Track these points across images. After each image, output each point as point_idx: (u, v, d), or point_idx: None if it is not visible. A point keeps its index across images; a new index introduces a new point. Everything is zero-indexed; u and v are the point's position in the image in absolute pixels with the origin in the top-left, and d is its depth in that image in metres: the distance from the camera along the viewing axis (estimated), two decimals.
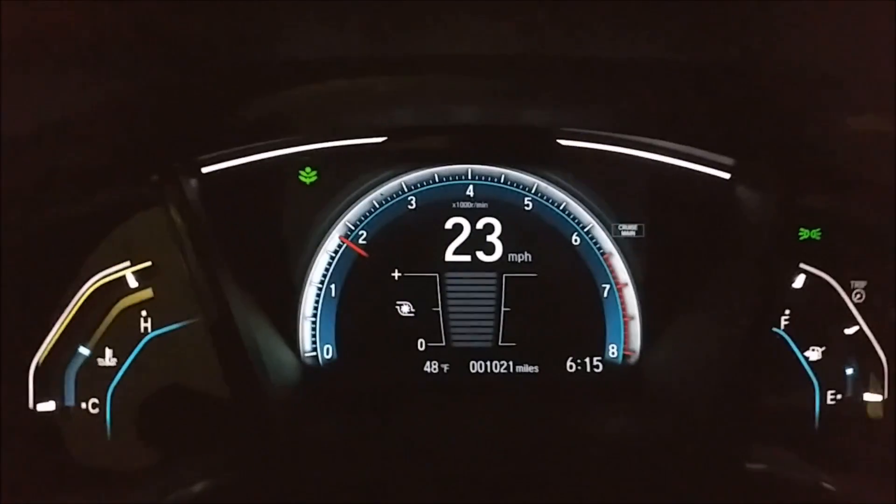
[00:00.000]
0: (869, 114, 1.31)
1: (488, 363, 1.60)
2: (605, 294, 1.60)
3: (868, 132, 1.35)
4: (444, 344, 1.59)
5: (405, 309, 1.58)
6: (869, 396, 1.46)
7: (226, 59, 1.33)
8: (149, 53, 1.24)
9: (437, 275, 1.59)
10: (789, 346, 1.49)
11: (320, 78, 1.38)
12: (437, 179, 1.60)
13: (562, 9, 1.17)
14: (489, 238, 1.60)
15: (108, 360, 1.44)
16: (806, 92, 1.32)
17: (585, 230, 1.60)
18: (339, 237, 1.58)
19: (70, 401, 1.43)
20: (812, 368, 1.48)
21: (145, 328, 1.45)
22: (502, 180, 1.61)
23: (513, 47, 1.33)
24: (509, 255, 1.59)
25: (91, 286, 1.43)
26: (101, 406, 1.43)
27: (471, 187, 1.60)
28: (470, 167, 1.60)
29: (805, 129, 1.41)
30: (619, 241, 1.60)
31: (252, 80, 1.39)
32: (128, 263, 1.44)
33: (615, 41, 1.30)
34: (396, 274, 1.58)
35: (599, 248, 1.60)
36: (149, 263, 1.45)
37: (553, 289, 1.60)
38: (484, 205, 1.60)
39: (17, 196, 1.28)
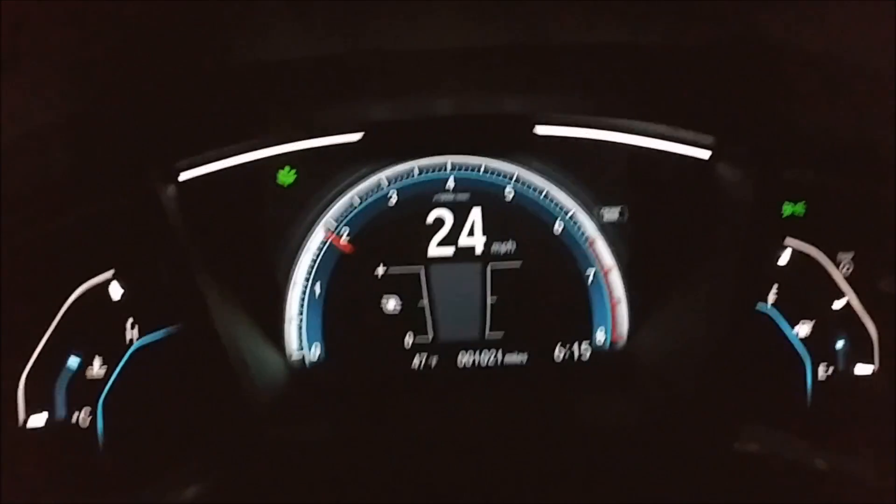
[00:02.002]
0: (850, 85, 1.30)
1: (476, 355, 1.60)
2: (591, 279, 1.59)
3: (848, 104, 1.34)
4: (431, 338, 1.59)
5: (391, 305, 1.58)
6: (860, 368, 1.45)
7: (198, 64, 1.33)
8: (121, 62, 1.24)
9: (421, 268, 1.58)
10: (778, 323, 1.47)
11: (293, 78, 1.38)
12: (416, 173, 1.59)
13: None
14: (472, 229, 1.59)
15: (97, 370, 1.44)
16: (784, 67, 1.31)
17: (568, 216, 1.59)
18: (325, 232, 1.57)
19: (61, 413, 1.43)
20: (802, 343, 1.46)
21: (132, 337, 1.45)
22: (482, 170, 1.60)
23: (485, 38, 1.33)
24: (493, 245, 1.59)
25: (76, 297, 1.43)
26: (93, 417, 1.43)
27: (451, 179, 1.59)
28: (449, 159, 1.60)
29: (784, 104, 1.40)
30: (603, 226, 1.59)
31: (225, 84, 1.39)
32: (111, 273, 1.44)
33: (589, 25, 1.29)
34: (381, 270, 1.58)
35: (583, 234, 1.59)
36: (132, 272, 1.45)
37: (538, 277, 1.59)
38: (465, 196, 1.59)
39: None
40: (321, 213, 1.58)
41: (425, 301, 1.58)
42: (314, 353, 1.58)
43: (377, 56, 1.36)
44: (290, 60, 1.37)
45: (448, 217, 1.58)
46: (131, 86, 1.32)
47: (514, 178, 1.59)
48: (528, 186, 1.59)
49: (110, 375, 1.43)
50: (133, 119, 1.36)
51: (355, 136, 1.56)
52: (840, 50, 1.22)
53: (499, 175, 1.60)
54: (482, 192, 1.59)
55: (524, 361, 1.60)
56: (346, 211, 1.58)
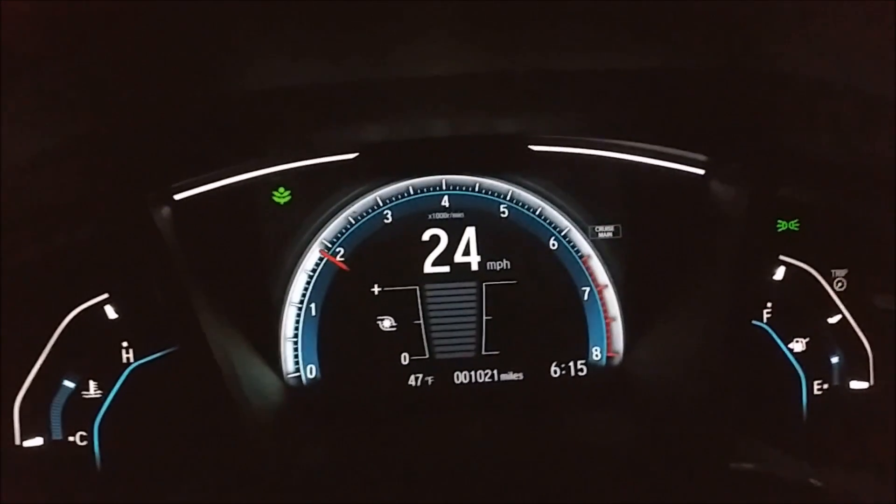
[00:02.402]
0: (842, 104, 1.31)
1: (473, 373, 1.60)
2: (586, 297, 1.60)
3: (841, 122, 1.35)
4: (427, 356, 1.59)
5: (387, 323, 1.58)
6: (855, 384, 1.45)
7: (194, 88, 1.34)
8: (117, 86, 1.25)
9: (416, 287, 1.58)
10: (773, 339, 1.48)
11: (288, 101, 1.39)
12: (411, 192, 1.60)
13: (528, 19, 1.17)
14: (467, 248, 1.59)
15: (93, 392, 1.44)
16: (778, 87, 1.32)
17: (562, 234, 1.60)
18: (320, 251, 1.58)
19: (57, 435, 1.43)
20: (797, 359, 1.47)
21: (127, 358, 1.45)
22: (477, 189, 1.61)
23: (479, 63, 1.33)
24: (488, 264, 1.59)
25: (71, 319, 1.43)
26: (89, 438, 1.43)
27: (446, 198, 1.60)
28: (444, 178, 1.60)
29: (777, 123, 1.40)
30: (597, 243, 1.60)
31: (220, 107, 1.40)
32: (106, 295, 1.45)
33: (584, 50, 1.30)
34: (376, 289, 1.58)
35: (577, 251, 1.60)
36: (127, 294, 1.45)
37: (533, 295, 1.60)
38: (460, 214, 1.60)
39: None
40: (316, 232, 1.58)
41: (421, 320, 1.58)
42: (310, 372, 1.58)
43: (372, 79, 1.37)
44: (286, 84, 1.37)
45: (443, 236, 1.59)
46: (127, 109, 1.32)
47: (509, 197, 1.60)
48: (523, 205, 1.60)
49: (106, 397, 1.44)
50: (128, 141, 1.37)
51: (350, 157, 1.56)
52: (833, 72, 1.22)
53: (493, 194, 1.60)
54: (477, 211, 1.60)
55: (520, 379, 1.60)
56: (341, 231, 1.58)
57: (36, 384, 1.41)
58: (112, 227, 1.44)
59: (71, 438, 1.43)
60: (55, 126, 1.26)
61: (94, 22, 1.07)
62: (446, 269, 1.59)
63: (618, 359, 1.60)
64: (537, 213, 1.60)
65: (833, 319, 1.47)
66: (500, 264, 1.59)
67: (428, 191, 1.60)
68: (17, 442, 1.40)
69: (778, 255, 1.48)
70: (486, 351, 1.60)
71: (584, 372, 1.60)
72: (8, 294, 1.38)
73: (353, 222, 1.59)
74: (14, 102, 1.14)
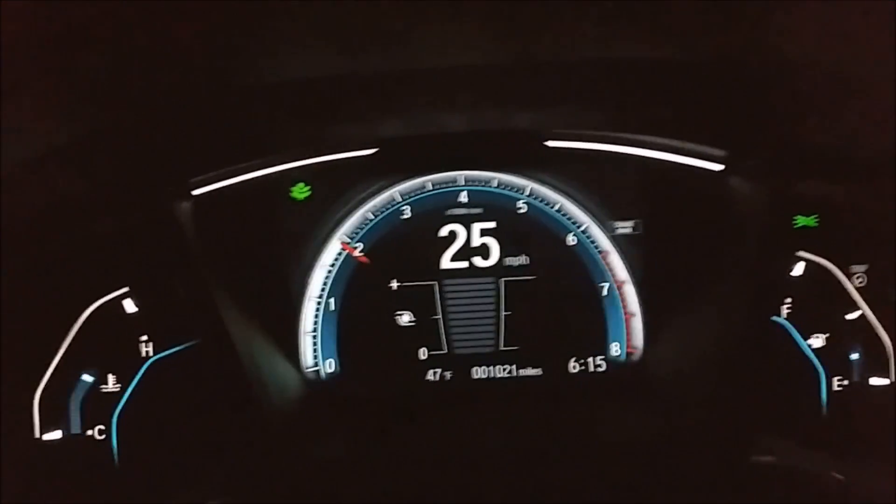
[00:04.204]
0: (861, 98, 1.31)
1: (491, 368, 1.60)
2: (605, 292, 1.60)
3: (859, 118, 1.35)
4: (445, 351, 1.59)
5: (405, 318, 1.58)
6: (875, 380, 1.45)
7: (212, 82, 1.34)
8: (135, 80, 1.25)
9: (435, 283, 1.58)
10: (792, 335, 1.47)
11: (307, 95, 1.39)
12: (429, 187, 1.60)
13: (545, 12, 1.17)
14: (485, 243, 1.59)
15: (112, 385, 1.43)
16: (796, 81, 1.32)
17: (581, 230, 1.60)
18: (342, 244, 1.58)
19: (76, 428, 1.42)
20: (816, 356, 1.46)
21: (146, 352, 1.45)
22: (495, 184, 1.60)
23: (497, 56, 1.33)
24: (506, 259, 1.59)
25: (90, 313, 1.43)
26: (108, 432, 1.43)
27: (464, 193, 1.60)
28: (462, 173, 1.60)
29: (796, 117, 1.40)
30: (616, 239, 1.60)
31: (239, 101, 1.40)
32: (126, 289, 1.44)
33: (600, 41, 1.30)
34: (394, 284, 1.58)
35: (596, 247, 1.60)
36: (147, 288, 1.45)
37: (552, 290, 1.60)
38: (478, 210, 1.60)
39: (14, 227, 1.28)
40: (335, 227, 1.58)
41: (439, 315, 1.58)
42: (329, 366, 1.58)
43: (390, 74, 1.37)
44: (305, 79, 1.37)
45: (461, 231, 1.59)
46: (145, 104, 1.32)
47: (527, 192, 1.60)
48: (541, 200, 1.60)
49: (125, 391, 1.43)
50: (147, 136, 1.37)
51: (369, 152, 1.56)
52: (852, 64, 1.22)
53: (511, 189, 1.60)
54: (495, 207, 1.60)
55: (539, 375, 1.60)
56: (359, 226, 1.58)
57: (55, 378, 1.41)
58: (132, 221, 1.44)
59: (89, 432, 1.43)
60: (75, 120, 1.26)
61: (113, 15, 1.07)
62: (464, 264, 1.59)
63: (637, 355, 1.60)
64: (556, 208, 1.60)
65: (852, 315, 1.47)
66: (518, 260, 1.59)
67: (446, 186, 1.60)
68: (37, 435, 1.39)
69: (797, 251, 1.48)
70: (504, 347, 1.59)
71: (604, 368, 1.60)
72: (28, 288, 1.38)
73: (372, 217, 1.59)
74: (37, 95, 1.14)
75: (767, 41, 1.25)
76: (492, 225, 1.60)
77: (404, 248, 1.59)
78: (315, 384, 1.57)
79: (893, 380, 1.43)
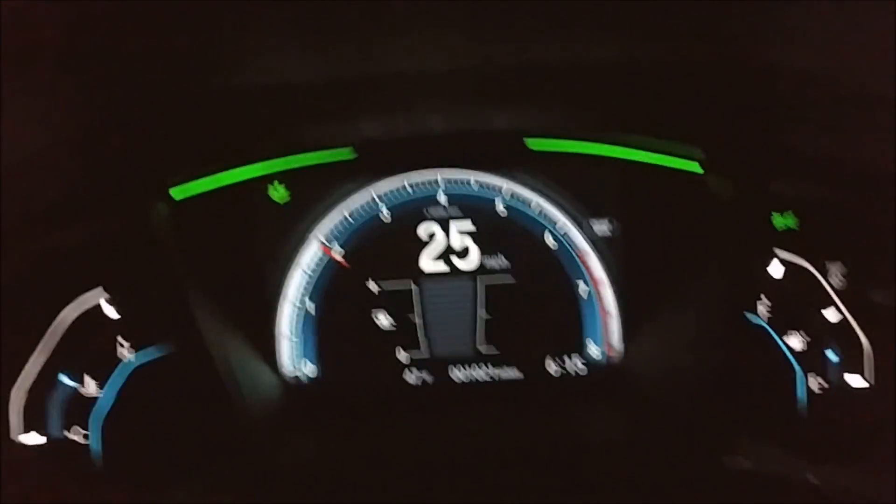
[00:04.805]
0: (838, 98, 1.30)
1: (470, 370, 1.60)
2: (583, 293, 1.59)
3: (838, 116, 1.34)
4: (424, 353, 1.59)
5: (384, 320, 1.58)
6: (854, 381, 1.44)
7: (190, 85, 1.34)
8: (113, 84, 1.25)
9: (413, 284, 1.58)
10: (771, 336, 1.47)
11: (283, 98, 1.39)
12: (407, 187, 1.59)
13: (523, 13, 1.16)
14: (464, 243, 1.59)
15: (91, 388, 1.44)
16: (773, 82, 1.31)
17: (559, 230, 1.59)
18: (321, 247, 1.58)
19: (56, 432, 1.43)
20: (795, 356, 1.46)
21: (125, 356, 1.45)
22: (474, 185, 1.60)
23: (474, 57, 1.33)
24: (485, 260, 1.59)
25: (68, 316, 1.44)
26: (87, 436, 1.43)
27: (442, 194, 1.59)
28: (440, 173, 1.60)
29: (773, 118, 1.40)
30: (594, 240, 1.59)
31: (216, 104, 1.40)
32: (104, 293, 1.45)
33: (579, 42, 1.29)
34: (373, 285, 1.58)
35: (574, 248, 1.60)
36: (124, 291, 1.45)
37: (530, 291, 1.59)
38: (456, 210, 1.59)
39: None
40: (312, 230, 1.58)
41: (418, 316, 1.58)
42: (308, 370, 1.59)
43: (367, 76, 1.37)
44: (282, 81, 1.37)
45: (439, 232, 1.59)
46: (122, 107, 1.33)
47: (506, 193, 1.59)
48: (520, 200, 1.59)
49: (104, 395, 1.44)
50: (125, 139, 1.37)
51: (345, 152, 1.56)
52: (829, 65, 1.22)
53: (490, 189, 1.60)
54: (473, 207, 1.60)
55: (517, 376, 1.60)
56: (337, 227, 1.58)
57: (34, 381, 1.41)
58: (109, 224, 1.44)
59: (69, 436, 1.43)
60: (51, 124, 1.27)
61: (88, 20, 1.07)
62: (443, 265, 1.59)
63: (615, 355, 1.60)
64: (535, 208, 1.59)
65: (830, 316, 1.46)
66: (496, 260, 1.59)
67: (424, 186, 1.60)
68: (16, 439, 1.40)
69: (775, 251, 1.48)
70: (483, 347, 1.59)
71: (581, 368, 1.60)
72: (6, 292, 1.39)
73: (350, 219, 1.59)
74: (11, 101, 1.15)
75: (744, 43, 1.24)
76: (470, 226, 1.59)
77: (383, 249, 1.59)
78: (294, 387, 1.58)
79: (871, 381, 1.43)
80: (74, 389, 1.44)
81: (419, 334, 1.59)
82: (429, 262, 1.59)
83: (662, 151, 1.54)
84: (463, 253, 1.59)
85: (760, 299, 1.47)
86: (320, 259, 1.58)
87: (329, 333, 1.59)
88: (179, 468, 1.38)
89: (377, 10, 1.12)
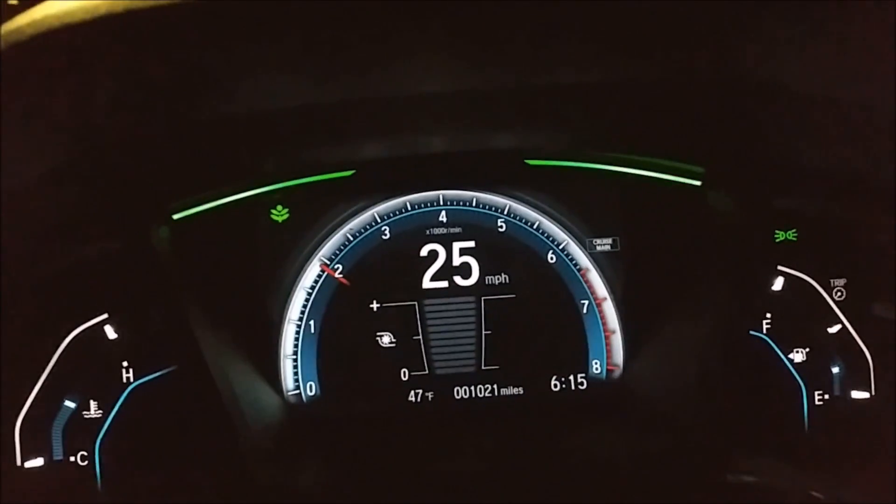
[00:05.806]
0: (839, 114, 1.31)
1: (473, 388, 1.60)
2: (585, 310, 1.60)
3: (838, 132, 1.35)
4: (427, 372, 1.59)
5: (386, 339, 1.58)
6: (856, 394, 1.44)
7: (191, 109, 1.35)
8: (114, 108, 1.26)
9: (415, 303, 1.59)
10: (773, 349, 1.47)
11: (285, 121, 1.39)
12: (409, 208, 1.60)
13: (523, 35, 1.17)
14: (465, 262, 1.60)
15: (94, 411, 1.44)
16: (774, 98, 1.32)
17: (560, 247, 1.60)
18: (322, 267, 1.58)
19: (58, 455, 1.43)
20: (797, 370, 1.47)
21: (128, 378, 1.45)
22: (474, 204, 1.61)
23: (474, 80, 1.34)
24: (486, 278, 1.59)
25: (71, 339, 1.44)
26: (90, 458, 1.43)
27: (443, 213, 1.60)
28: (441, 193, 1.61)
29: (774, 133, 1.40)
30: (595, 256, 1.60)
31: (217, 127, 1.40)
32: (105, 315, 1.45)
33: (579, 62, 1.30)
34: (375, 305, 1.58)
35: (576, 265, 1.60)
36: (126, 314, 1.46)
37: (532, 308, 1.60)
38: (458, 229, 1.60)
39: None
40: (314, 250, 1.58)
41: (420, 335, 1.58)
42: (310, 389, 1.58)
43: (368, 99, 1.38)
44: (283, 104, 1.38)
45: (441, 251, 1.59)
46: (124, 130, 1.33)
47: (506, 211, 1.60)
48: (520, 219, 1.60)
49: (107, 417, 1.44)
50: (126, 162, 1.37)
51: (347, 174, 1.57)
52: (829, 81, 1.22)
53: (491, 208, 1.61)
54: (475, 226, 1.60)
55: (520, 393, 1.60)
56: (339, 247, 1.59)
57: (37, 404, 1.41)
58: (111, 247, 1.44)
59: (72, 458, 1.43)
60: (52, 148, 1.27)
61: (89, 43, 1.08)
62: (445, 284, 1.59)
63: (618, 372, 1.60)
64: (535, 226, 1.60)
65: (833, 329, 1.46)
66: (498, 278, 1.59)
67: (425, 206, 1.60)
68: (18, 463, 1.40)
69: (776, 266, 1.48)
70: (485, 366, 1.59)
71: (585, 385, 1.60)
72: (8, 315, 1.39)
73: (352, 239, 1.59)
74: (12, 124, 1.15)
75: (744, 60, 1.25)
76: (471, 244, 1.60)
77: (384, 268, 1.59)
78: (296, 407, 1.57)
79: (874, 394, 1.43)
80: (78, 412, 1.43)
81: (422, 353, 1.58)
82: (430, 281, 1.59)
83: (663, 169, 1.54)
84: (465, 271, 1.59)
85: (762, 314, 1.47)
86: (322, 279, 1.58)
87: (331, 353, 1.58)
88: (182, 489, 1.38)
89: (379, 34, 1.13)
